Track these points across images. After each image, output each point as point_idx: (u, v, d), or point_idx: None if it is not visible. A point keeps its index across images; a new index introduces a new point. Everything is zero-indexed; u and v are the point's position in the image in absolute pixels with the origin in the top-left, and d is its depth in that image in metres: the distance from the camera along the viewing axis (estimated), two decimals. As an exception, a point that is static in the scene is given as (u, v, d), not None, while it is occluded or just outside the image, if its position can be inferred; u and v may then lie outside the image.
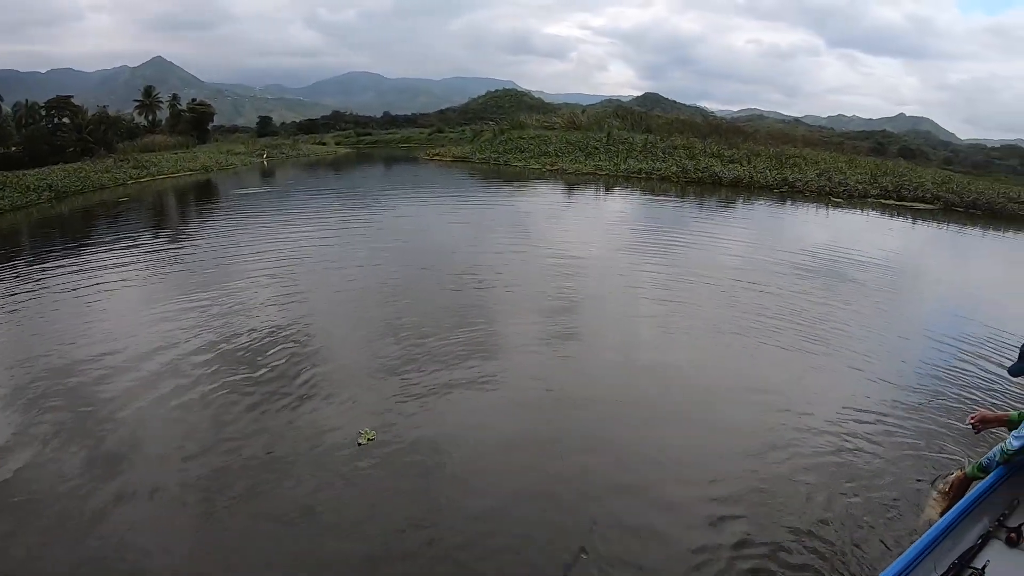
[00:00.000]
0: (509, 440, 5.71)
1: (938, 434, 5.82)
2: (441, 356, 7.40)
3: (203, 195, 25.16)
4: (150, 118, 57.24)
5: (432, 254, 12.63)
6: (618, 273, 11.85)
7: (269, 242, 13.29)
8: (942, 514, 4.09)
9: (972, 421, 4.41)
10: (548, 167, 33.37)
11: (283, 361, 7.20)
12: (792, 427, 5.99)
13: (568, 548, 4.19)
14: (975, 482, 3.96)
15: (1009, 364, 4.19)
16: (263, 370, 6.95)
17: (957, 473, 4.27)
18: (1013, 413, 4.14)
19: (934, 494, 4.44)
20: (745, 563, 4.20)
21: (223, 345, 7.58)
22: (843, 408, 6.41)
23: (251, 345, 7.60)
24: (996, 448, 3.80)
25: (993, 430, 4.44)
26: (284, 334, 7.98)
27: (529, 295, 9.88)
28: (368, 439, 5.46)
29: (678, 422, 6.16)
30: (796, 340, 8.42)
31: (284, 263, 11.36)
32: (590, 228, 17.16)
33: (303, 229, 14.94)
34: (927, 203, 26.77)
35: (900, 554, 3.33)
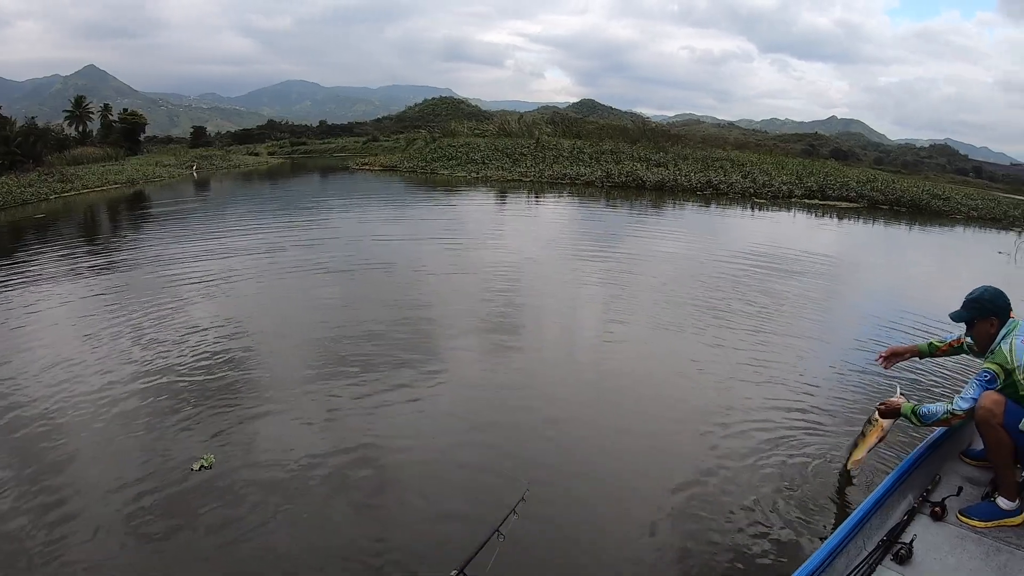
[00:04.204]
0: (453, 440, 5.54)
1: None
2: (379, 364, 7.05)
3: (129, 209, 23.97)
4: (81, 129, 55.11)
5: (363, 266, 12.07)
6: (547, 276, 11.88)
7: (196, 257, 12.44)
8: (864, 447, 4.37)
9: (882, 357, 4.58)
10: (474, 174, 33.07)
11: (217, 376, 6.64)
12: (736, 417, 6.02)
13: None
14: (904, 418, 4.10)
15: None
16: (194, 386, 6.37)
17: (894, 399, 4.31)
18: (923, 344, 4.29)
19: (872, 419, 4.42)
20: (690, 542, 4.19)
21: (150, 365, 6.83)
22: (781, 395, 6.55)
23: (181, 363, 6.91)
24: (941, 405, 3.86)
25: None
26: (217, 350, 7.36)
27: (463, 304, 9.62)
28: (203, 465, 5.13)
29: (620, 417, 6.13)
30: (733, 333, 8.55)
31: (212, 279, 10.49)
32: (513, 233, 16.94)
33: (231, 243, 14.13)
34: (851, 201, 27.62)
35: (832, 533, 3.45)
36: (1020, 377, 3.61)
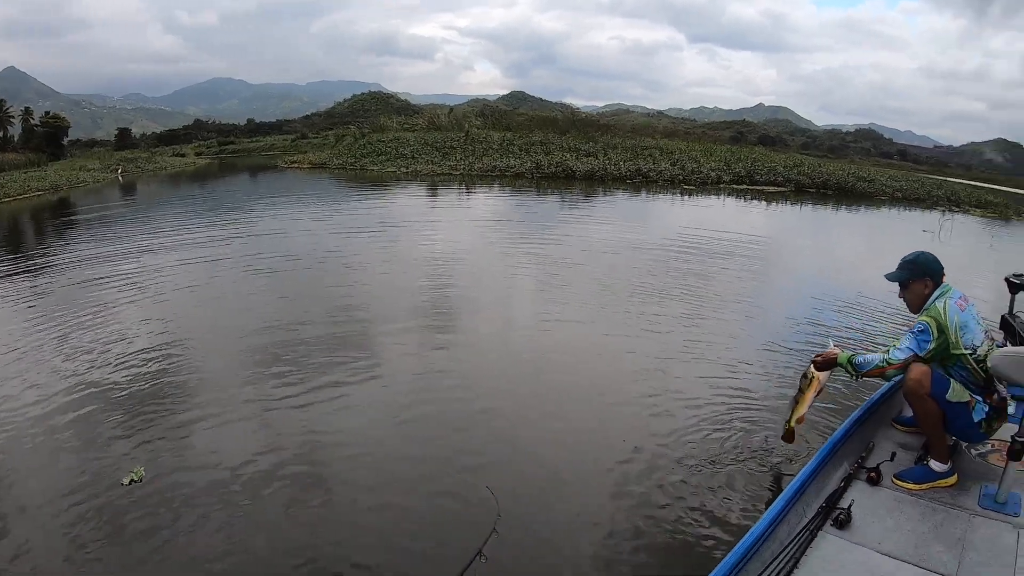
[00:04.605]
0: (391, 434, 5.45)
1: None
2: (314, 362, 6.84)
3: (53, 217, 22.52)
4: (1, 134, 53.35)
5: (295, 264, 11.65)
6: (481, 267, 11.75)
7: (123, 262, 11.72)
8: (805, 403, 4.35)
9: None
10: (404, 169, 32.57)
11: (146, 383, 6.25)
12: (673, 398, 6.06)
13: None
14: (841, 367, 4.15)
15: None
16: (123, 396, 6.00)
17: (829, 350, 4.30)
18: (842, 355, 4.20)
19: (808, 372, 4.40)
20: (635, 521, 4.22)
21: (75, 376, 6.33)
22: (716, 373, 6.67)
23: (108, 372, 6.48)
24: (877, 355, 3.96)
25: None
26: (145, 357, 6.93)
27: (398, 298, 9.46)
28: (133, 479, 4.76)
29: (557, 403, 6.10)
30: (668, 316, 8.64)
31: (139, 284, 9.85)
32: (445, 226, 16.73)
33: (159, 247, 13.33)
34: (779, 186, 28.18)
35: (772, 501, 3.57)
36: (952, 335, 3.75)
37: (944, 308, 3.79)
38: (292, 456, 4.96)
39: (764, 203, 23.51)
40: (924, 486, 3.82)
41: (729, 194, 25.81)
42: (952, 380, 3.82)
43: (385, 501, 4.40)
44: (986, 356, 3.75)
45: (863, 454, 4.14)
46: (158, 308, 8.88)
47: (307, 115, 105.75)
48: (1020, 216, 25.74)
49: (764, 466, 4.80)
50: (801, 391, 4.42)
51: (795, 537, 3.25)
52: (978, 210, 25.74)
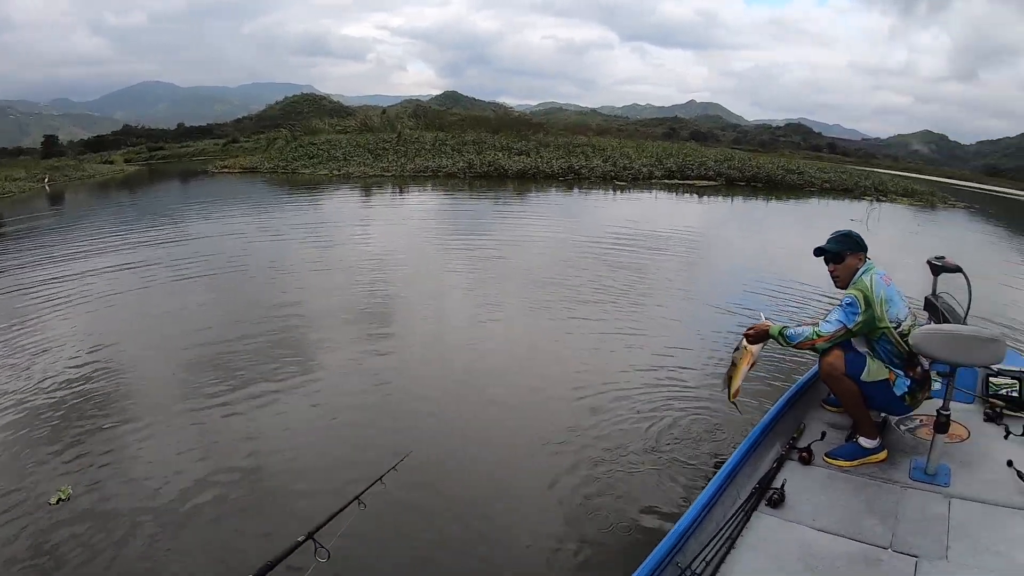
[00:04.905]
0: (328, 434, 5.38)
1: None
2: (249, 368, 6.64)
3: None
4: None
5: (227, 270, 11.22)
6: (415, 267, 11.61)
7: (49, 274, 11.06)
8: (739, 377, 4.39)
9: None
10: (336, 172, 32.05)
11: (74, 398, 5.94)
12: (608, 388, 6.08)
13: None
14: (773, 339, 4.17)
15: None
16: (49, 412, 5.68)
17: (760, 323, 4.32)
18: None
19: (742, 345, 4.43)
20: (568, 509, 4.26)
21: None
22: (648, 361, 6.77)
23: (33, 388, 6.11)
24: (808, 328, 3.99)
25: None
26: (74, 371, 6.57)
27: (332, 300, 9.32)
28: (61, 498, 4.46)
29: (492, 396, 6.11)
30: (601, 308, 8.75)
31: (67, 296, 9.25)
32: (378, 228, 16.58)
33: (87, 257, 12.71)
34: (710, 180, 28.70)
35: (707, 484, 3.56)
36: (878, 309, 3.83)
37: (871, 282, 3.87)
38: (225, 464, 4.82)
39: (696, 197, 24.01)
40: (855, 462, 3.90)
41: (661, 189, 26.31)
42: (868, 360, 3.92)
43: (318, 503, 4.24)
44: (909, 330, 3.84)
45: (794, 435, 4.21)
46: (86, 319, 8.52)
47: (238, 118, 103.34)
48: (945, 203, 26.60)
49: (698, 450, 4.87)
50: (734, 364, 4.45)
51: (730, 518, 3.26)
52: (904, 199, 26.56)
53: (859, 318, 3.84)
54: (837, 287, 4.15)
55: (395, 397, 6.02)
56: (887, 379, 3.88)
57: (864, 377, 3.87)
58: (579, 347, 7.31)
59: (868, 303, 3.82)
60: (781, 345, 4.15)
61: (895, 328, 3.84)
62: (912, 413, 4.19)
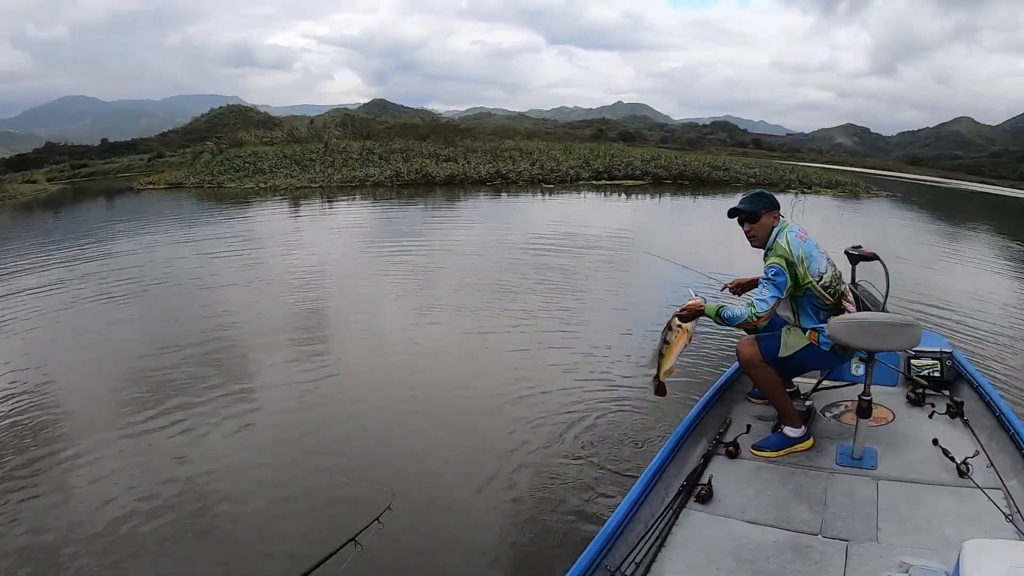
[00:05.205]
0: (276, 454, 5.30)
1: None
2: (186, 387, 6.51)
3: None
4: None
5: (156, 289, 10.96)
6: (346, 278, 11.67)
7: None
8: (672, 355, 4.21)
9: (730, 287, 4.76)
10: (262, 185, 31.47)
11: (2, 432, 5.69)
12: (537, 389, 6.21)
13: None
14: (708, 318, 4.09)
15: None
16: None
17: (692, 301, 4.17)
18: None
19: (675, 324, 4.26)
20: (507, 506, 4.37)
21: None
22: (579, 361, 6.88)
23: None
24: (745, 309, 3.89)
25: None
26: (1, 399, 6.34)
27: (265, 315, 9.24)
28: None
29: (429, 401, 6.22)
30: (533, 310, 8.92)
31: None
32: (307, 240, 16.48)
33: (10, 281, 12.31)
34: (637, 179, 29.12)
35: (633, 483, 3.49)
36: (800, 267, 3.85)
37: (788, 243, 3.89)
38: (164, 487, 4.70)
39: (623, 197, 24.41)
40: (781, 452, 3.92)
41: (589, 190, 26.73)
42: (783, 334, 3.98)
43: (266, 517, 4.31)
44: (831, 281, 3.93)
45: (721, 430, 4.22)
46: (7, 344, 8.20)
47: (164, 132, 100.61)
48: (869, 193, 27.49)
49: (625, 449, 4.92)
50: (667, 343, 4.31)
51: (659, 516, 3.27)
52: (829, 190, 27.50)
53: (788, 283, 3.86)
54: (753, 246, 4.16)
55: (333, 417, 5.94)
56: (809, 343, 3.92)
57: (783, 353, 3.92)
58: (509, 350, 7.35)
59: (790, 264, 3.85)
60: (717, 324, 4.12)
61: (817, 282, 3.88)
62: (838, 400, 4.34)
